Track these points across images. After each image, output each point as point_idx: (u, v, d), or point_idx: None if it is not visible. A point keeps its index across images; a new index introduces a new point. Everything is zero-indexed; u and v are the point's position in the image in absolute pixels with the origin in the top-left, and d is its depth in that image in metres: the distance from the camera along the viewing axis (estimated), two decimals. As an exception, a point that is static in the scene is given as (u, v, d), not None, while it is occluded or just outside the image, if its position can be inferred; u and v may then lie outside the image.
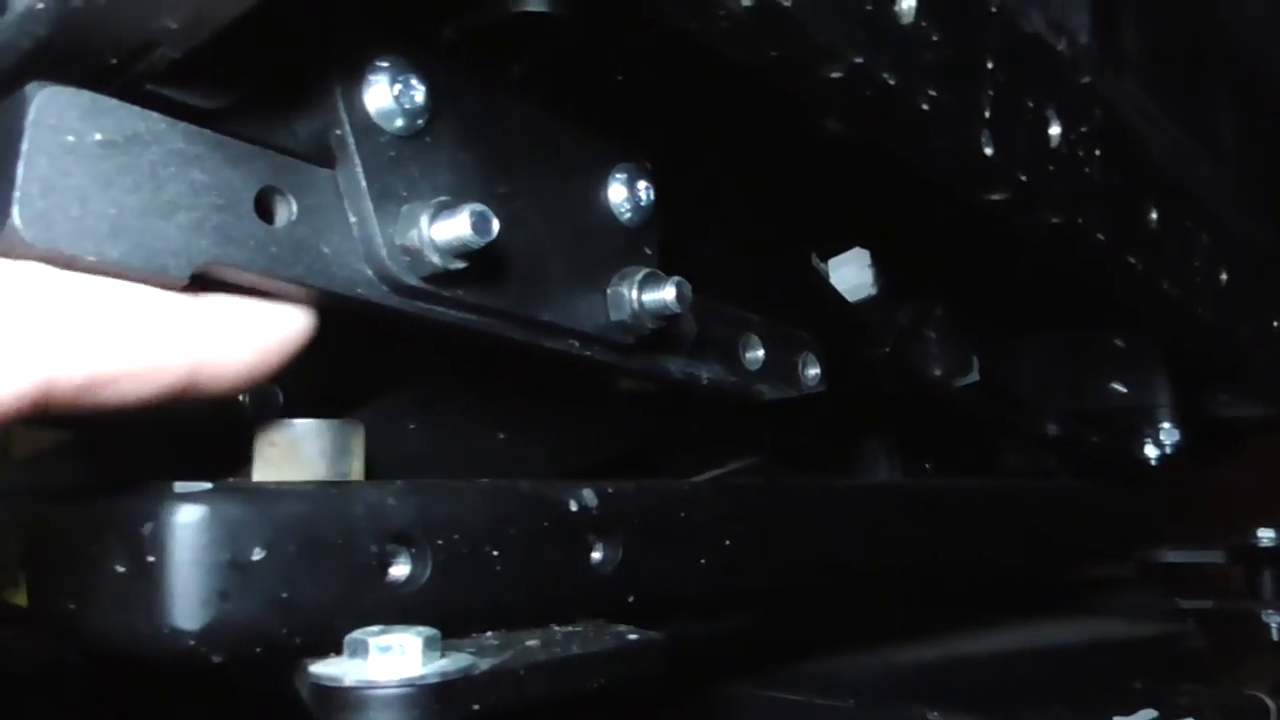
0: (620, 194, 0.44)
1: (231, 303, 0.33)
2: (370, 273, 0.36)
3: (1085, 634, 0.91)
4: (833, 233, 0.58)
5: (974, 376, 0.68)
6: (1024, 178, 0.37)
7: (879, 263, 0.58)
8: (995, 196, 0.38)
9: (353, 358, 0.43)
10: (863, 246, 0.57)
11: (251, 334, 0.33)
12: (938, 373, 0.66)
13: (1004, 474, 0.85)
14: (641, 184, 0.45)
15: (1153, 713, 0.62)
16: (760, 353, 0.53)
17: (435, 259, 0.35)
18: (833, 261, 0.58)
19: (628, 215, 0.44)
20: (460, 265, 0.36)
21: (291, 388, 0.42)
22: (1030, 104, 0.38)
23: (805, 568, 0.53)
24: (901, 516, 0.76)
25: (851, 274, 0.57)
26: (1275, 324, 0.65)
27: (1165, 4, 0.59)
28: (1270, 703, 0.72)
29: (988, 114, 0.35)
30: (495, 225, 0.35)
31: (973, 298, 0.67)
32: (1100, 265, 0.46)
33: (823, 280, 0.58)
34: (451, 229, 0.35)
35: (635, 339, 0.44)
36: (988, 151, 0.35)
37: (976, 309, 0.67)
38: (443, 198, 0.36)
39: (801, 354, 0.56)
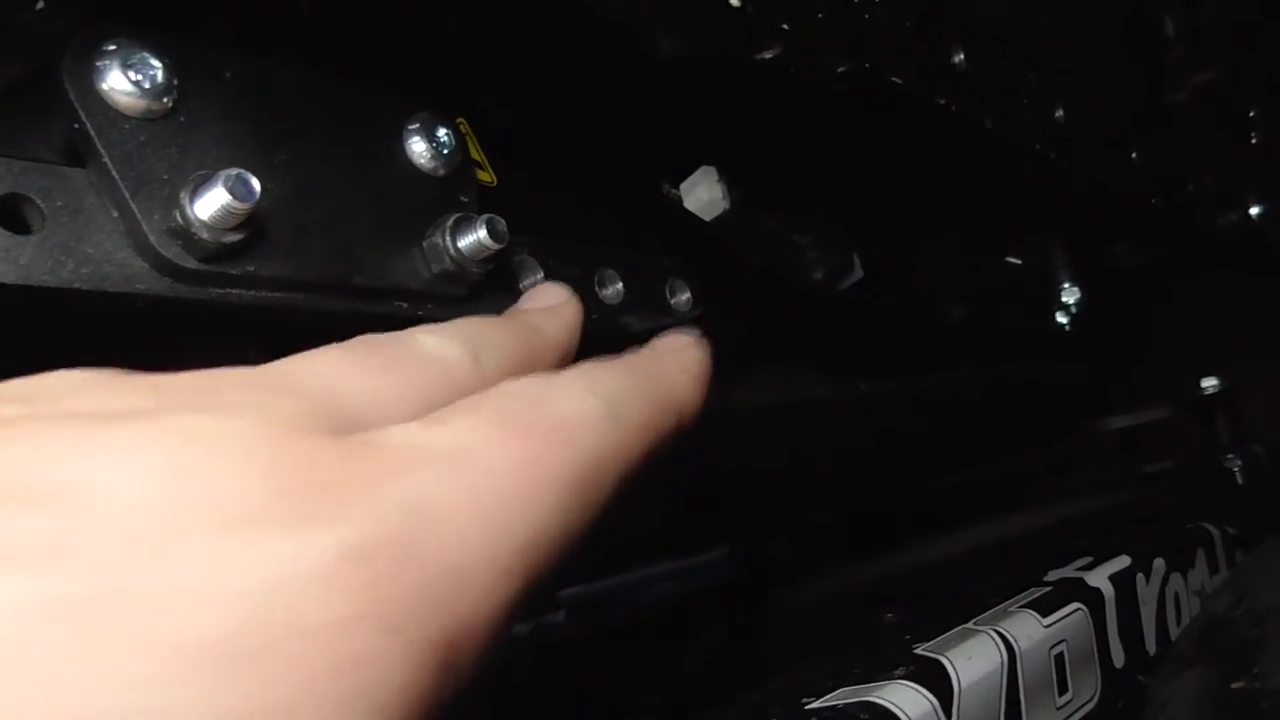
0: (419, 145, 0.43)
1: None
2: (146, 265, 0.35)
3: (1047, 517, 0.91)
4: (681, 158, 0.57)
5: (858, 274, 0.67)
6: (785, 26, 0.36)
7: (731, 177, 0.56)
8: (768, 55, 0.36)
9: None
10: (710, 164, 0.56)
11: None
12: (818, 276, 0.65)
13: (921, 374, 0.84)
14: (441, 131, 0.43)
15: (1086, 559, 0.61)
16: (619, 285, 0.51)
17: (206, 236, 0.34)
18: (684, 185, 0.57)
19: (431, 165, 0.43)
20: (236, 237, 0.35)
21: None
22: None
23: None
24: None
25: (702, 193, 0.56)
26: (1133, 155, 0.64)
27: None
28: (1214, 529, 0.71)
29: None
30: (256, 186, 0.33)
31: (844, 196, 0.66)
32: (907, 112, 0.44)
33: (677, 205, 0.57)
34: (212, 200, 0.33)
35: (467, 289, 0.43)
36: (734, 3, 0.33)
37: (852, 206, 0.66)
38: (202, 172, 0.34)
39: (668, 281, 0.54)
